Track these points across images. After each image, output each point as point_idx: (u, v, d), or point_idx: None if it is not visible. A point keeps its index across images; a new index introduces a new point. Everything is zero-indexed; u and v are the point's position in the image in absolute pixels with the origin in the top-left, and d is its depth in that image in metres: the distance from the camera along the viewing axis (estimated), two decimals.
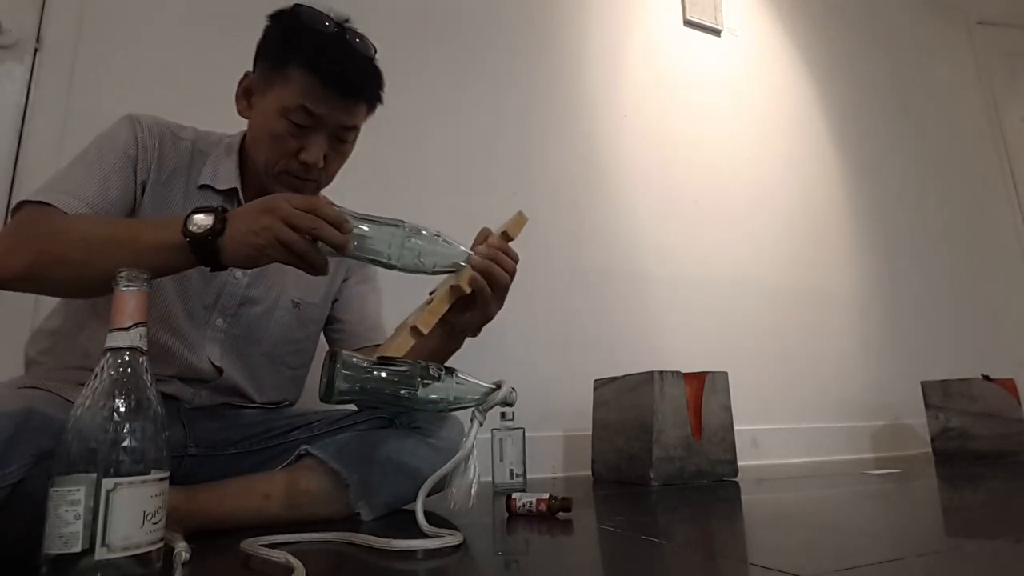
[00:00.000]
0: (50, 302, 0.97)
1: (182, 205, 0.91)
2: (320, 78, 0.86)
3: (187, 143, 0.95)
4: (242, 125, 0.98)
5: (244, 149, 0.97)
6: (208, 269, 0.74)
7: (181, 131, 0.96)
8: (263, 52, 0.93)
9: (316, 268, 0.73)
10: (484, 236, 0.85)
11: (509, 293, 0.85)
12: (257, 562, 0.65)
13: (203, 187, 0.93)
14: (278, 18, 0.92)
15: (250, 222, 0.71)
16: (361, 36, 0.93)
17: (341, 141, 0.93)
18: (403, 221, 0.76)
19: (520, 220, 0.86)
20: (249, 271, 0.96)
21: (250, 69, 0.95)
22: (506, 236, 0.85)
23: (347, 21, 0.93)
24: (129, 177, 0.88)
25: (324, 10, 0.91)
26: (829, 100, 2.51)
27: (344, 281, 1.10)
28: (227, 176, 0.94)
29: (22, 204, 0.80)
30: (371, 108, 0.95)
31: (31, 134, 1.32)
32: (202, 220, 0.71)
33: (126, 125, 0.91)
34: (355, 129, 0.94)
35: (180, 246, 0.71)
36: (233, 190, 0.94)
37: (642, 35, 2.17)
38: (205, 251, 0.71)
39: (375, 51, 0.94)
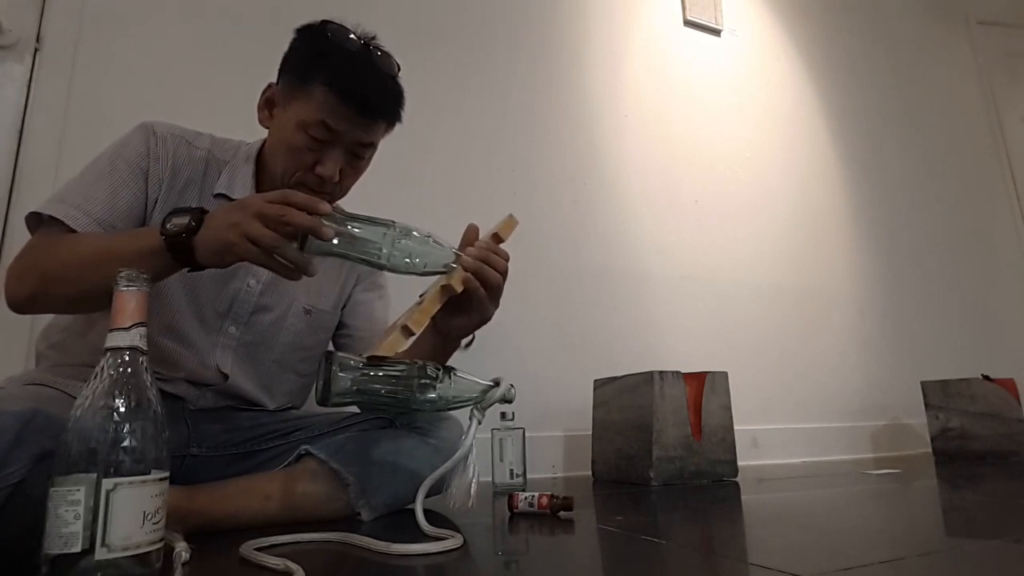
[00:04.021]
0: None
1: None
2: (341, 96, 0.87)
3: (202, 152, 0.95)
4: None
5: (261, 158, 0.97)
6: (195, 271, 0.74)
7: (197, 139, 0.96)
8: (288, 65, 0.93)
9: (292, 265, 0.71)
10: (472, 233, 0.85)
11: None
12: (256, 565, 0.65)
13: (218, 195, 0.93)
14: (305, 33, 0.93)
15: (223, 218, 0.71)
16: (385, 54, 0.93)
17: (358, 157, 0.93)
18: (394, 221, 0.75)
19: (511, 222, 0.86)
20: (262, 279, 0.96)
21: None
22: (497, 238, 0.84)
23: (373, 38, 0.93)
24: (140, 189, 0.88)
25: (351, 26, 0.91)
26: (829, 100, 2.51)
27: (354, 288, 1.10)
28: (243, 185, 0.94)
29: (37, 218, 0.82)
30: (390, 126, 0.95)
31: (31, 134, 1.32)
32: (178, 219, 0.72)
33: (140, 135, 0.91)
34: (372, 146, 0.94)
35: (159, 248, 0.72)
36: None
37: (642, 35, 2.17)
38: (180, 250, 0.71)
39: (399, 69, 0.94)
